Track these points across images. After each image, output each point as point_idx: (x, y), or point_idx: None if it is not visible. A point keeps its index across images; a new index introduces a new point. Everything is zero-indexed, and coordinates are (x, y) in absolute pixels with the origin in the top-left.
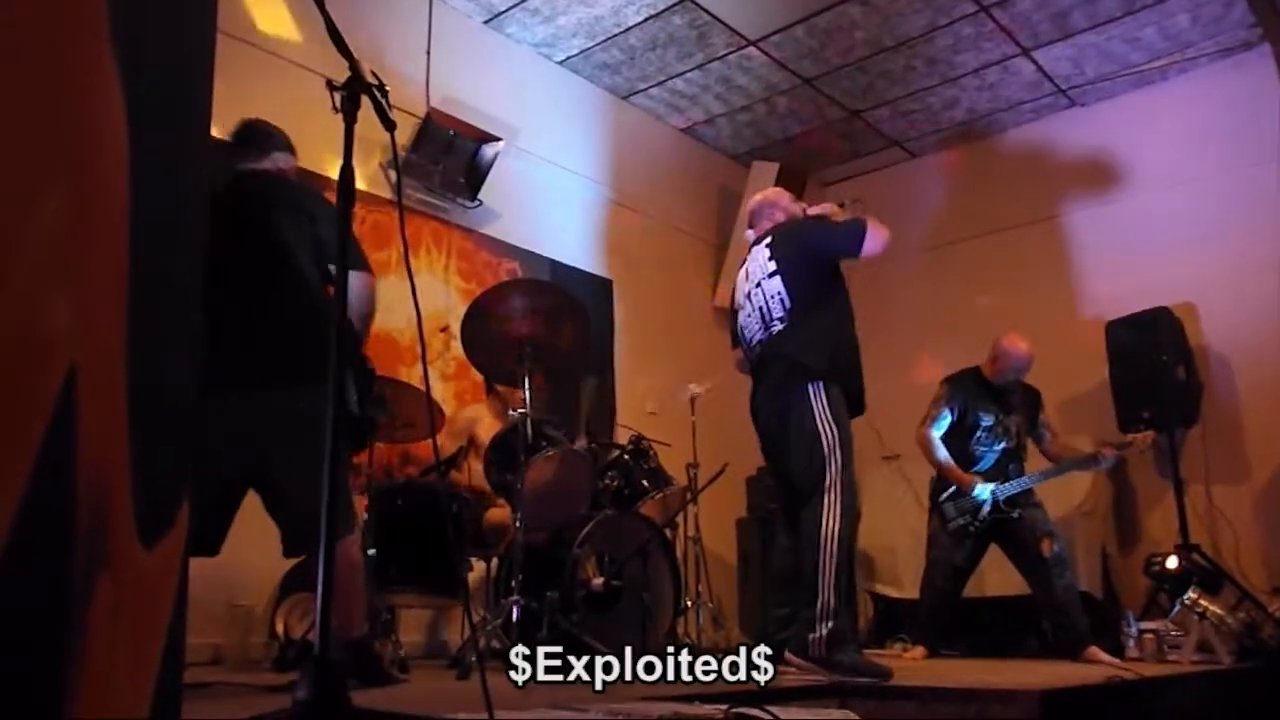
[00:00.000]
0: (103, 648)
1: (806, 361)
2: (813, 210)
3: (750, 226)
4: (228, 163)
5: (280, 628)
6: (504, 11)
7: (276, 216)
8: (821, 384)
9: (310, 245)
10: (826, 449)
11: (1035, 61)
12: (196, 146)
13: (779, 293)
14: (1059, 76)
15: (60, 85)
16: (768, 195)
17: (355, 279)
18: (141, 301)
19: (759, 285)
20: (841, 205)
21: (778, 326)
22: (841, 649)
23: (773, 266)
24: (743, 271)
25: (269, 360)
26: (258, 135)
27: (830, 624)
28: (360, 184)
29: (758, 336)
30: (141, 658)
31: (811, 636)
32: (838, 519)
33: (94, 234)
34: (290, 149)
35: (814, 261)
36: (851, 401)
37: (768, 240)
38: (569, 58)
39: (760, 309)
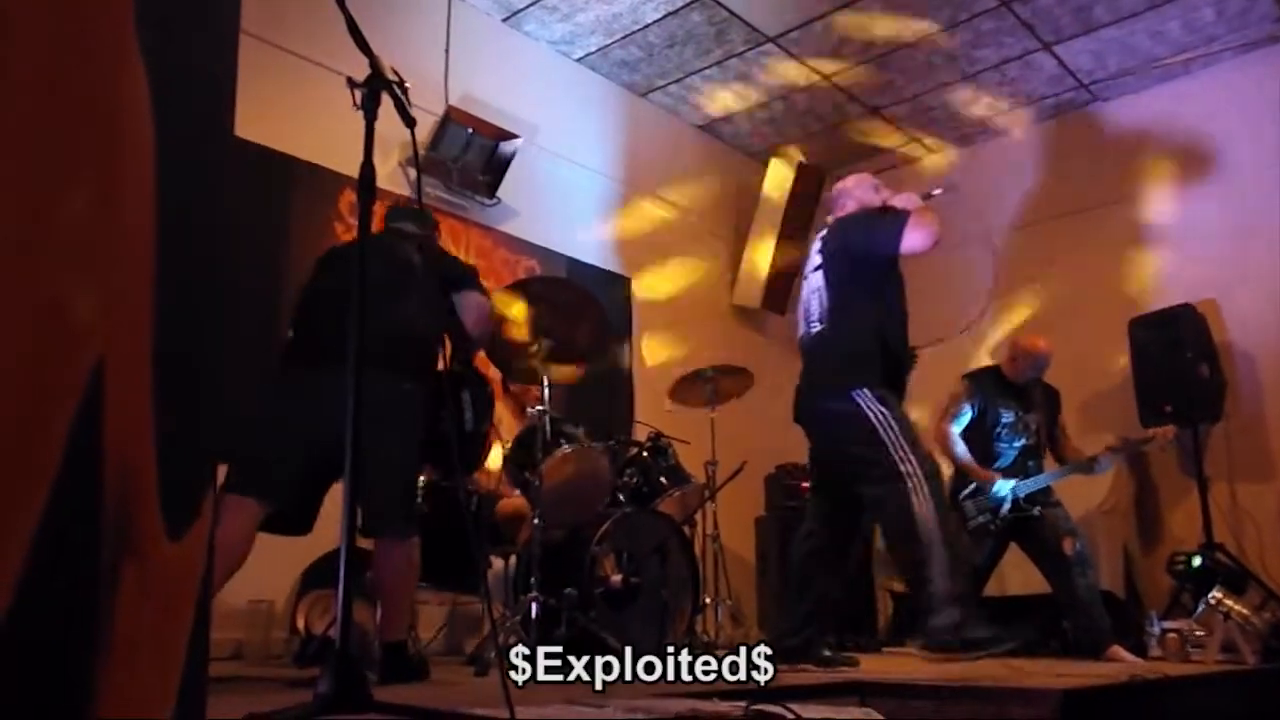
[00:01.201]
0: (129, 639)
1: (845, 378)
2: (895, 200)
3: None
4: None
5: (301, 623)
6: (522, 9)
7: (421, 262)
8: (866, 389)
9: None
10: (893, 445)
11: (1057, 56)
12: (220, 142)
13: (819, 290)
14: (1081, 71)
15: (87, 72)
16: (846, 183)
17: (474, 299)
18: (167, 294)
19: (807, 278)
20: (928, 196)
21: (816, 327)
22: (971, 627)
23: (818, 261)
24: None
25: (384, 350)
26: (424, 217)
27: (956, 610)
28: (379, 182)
29: (801, 329)
30: (167, 649)
31: (937, 624)
32: (927, 505)
33: (121, 224)
34: (438, 228)
35: (853, 261)
36: (896, 386)
37: (823, 232)
38: (587, 55)
39: (805, 303)
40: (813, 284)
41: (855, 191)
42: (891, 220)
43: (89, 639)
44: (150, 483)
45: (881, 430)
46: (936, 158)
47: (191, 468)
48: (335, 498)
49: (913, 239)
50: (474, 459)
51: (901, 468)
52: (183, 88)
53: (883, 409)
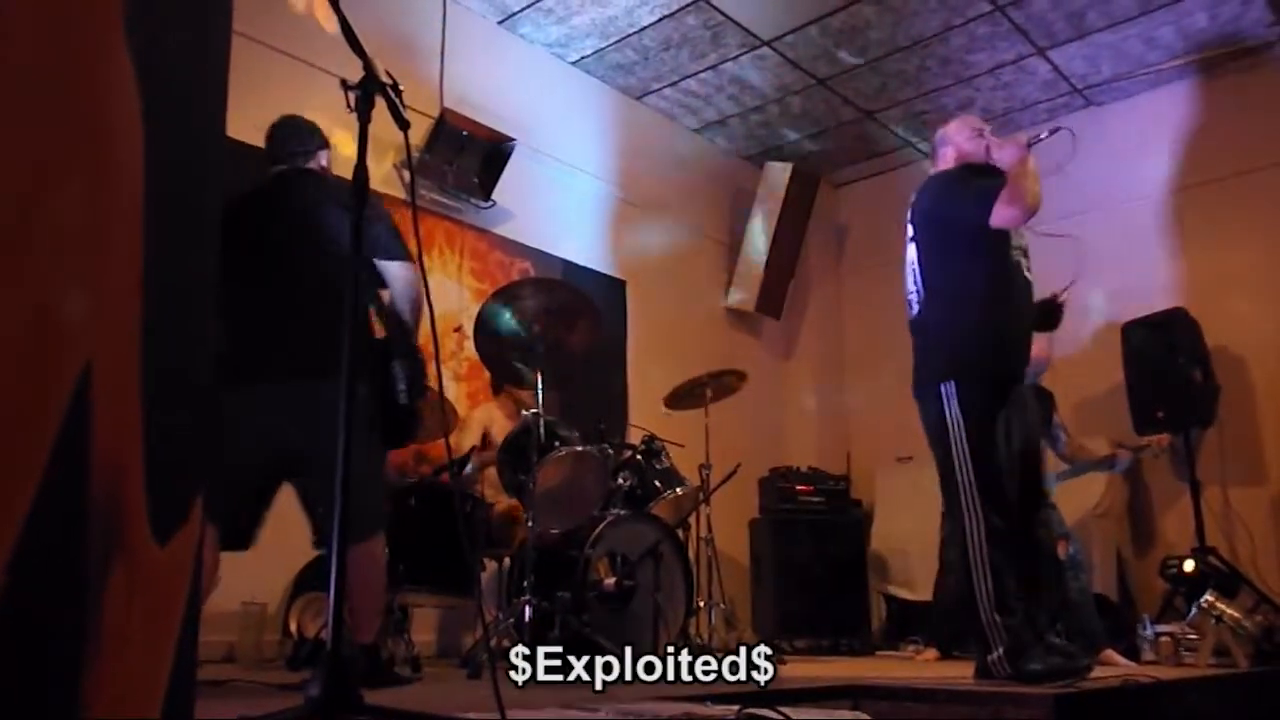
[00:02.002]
0: (117, 642)
1: (935, 362)
2: (998, 152)
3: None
4: (270, 158)
5: (294, 626)
6: (518, 12)
7: (324, 214)
8: (954, 383)
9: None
10: (956, 458)
11: (1051, 61)
12: (212, 142)
13: (913, 264)
14: (1075, 76)
15: (74, 73)
16: (948, 128)
17: (398, 269)
18: (156, 296)
19: (906, 251)
20: (1036, 140)
21: (915, 307)
22: (1027, 658)
23: (910, 231)
24: None
25: (306, 352)
26: (303, 133)
27: (1004, 641)
28: (374, 184)
29: (906, 311)
30: (155, 653)
31: (990, 659)
32: (980, 532)
33: (110, 227)
34: (329, 145)
35: (941, 231)
36: (1000, 387)
37: (913, 197)
38: (582, 58)
39: (905, 281)
40: (908, 257)
41: (956, 138)
42: (982, 188)
43: (77, 634)
44: (138, 485)
45: (951, 434)
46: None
47: (180, 471)
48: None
49: (1004, 214)
50: (407, 435)
51: (961, 490)
52: (174, 88)
53: (959, 412)
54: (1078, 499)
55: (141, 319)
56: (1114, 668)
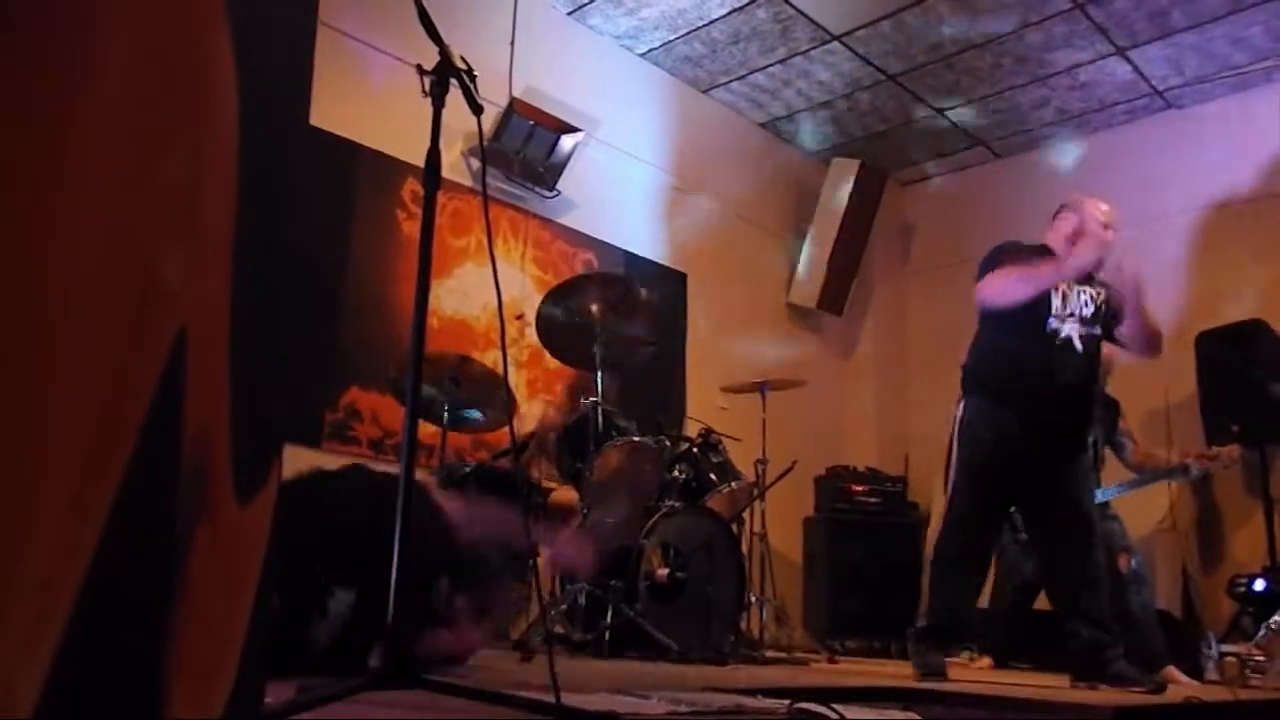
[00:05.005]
0: (200, 600)
1: (962, 374)
2: (1054, 239)
3: None
4: None
5: None
6: (588, 3)
7: None
8: (965, 399)
9: None
10: (949, 466)
11: (1131, 61)
12: (296, 128)
13: None
14: (1155, 77)
15: (181, 46)
16: (1072, 199)
17: None
18: (242, 263)
19: None
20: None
21: None
22: (917, 648)
23: None
24: None
25: None
26: None
27: (920, 634)
28: (443, 171)
29: None
30: (233, 611)
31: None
32: (931, 541)
33: (206, 195)
34: None
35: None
36: (1006, 417)
37: None
38: (651, 50)
39: None
40: None
41: (1059, 216)
42: (992, 255)
43: (166, 591)
44: (224, 445)
45: (952, 451)
46: (1002, 161)
47: (260, 435)
48: None
49: (985, 289)
50: None
51: (945, 497)
52: (264, 74)
53: (962, 428)
54: (1143, 512)
55: (231, 283)
56: (1176, 685)
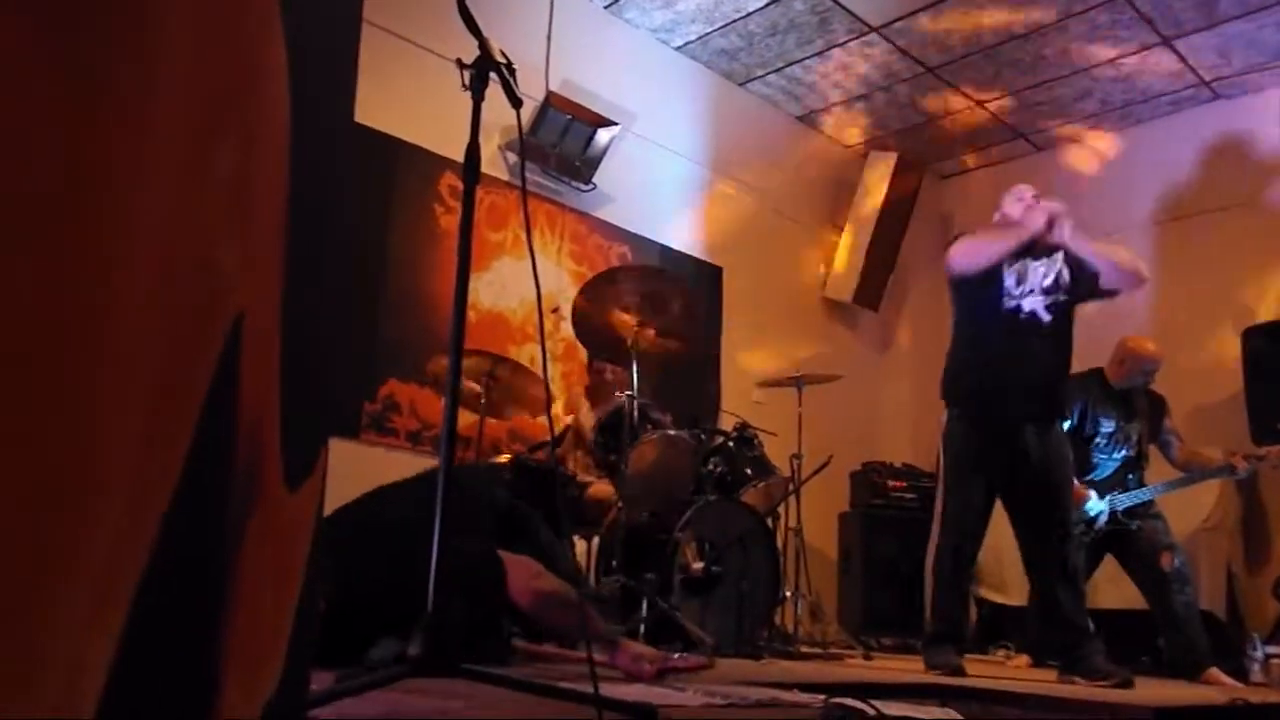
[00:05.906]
0: (251, 586)
1: (944, 393)
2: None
3: None
4: None
5: None
6: None
7: None
8: (947, 408)
9: None
10: (938, 476)
11: (1176, 50)
12: (341, 123)
13: None
14: (1202, 67)
15: (239, 38)
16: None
17: None
18: (293, 252)
19: None
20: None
21: None
22: (930, 651)
23: None
24: None
25: None
26: None
27: (930, 639)
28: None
29: None
30: (282, 597)
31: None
32: (932, 552)
33: (259, 183)
34: None
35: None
36: (977, 423)
37: None
38: (687, 43)
39: None
40: None
41: (999, 219)
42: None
43: (220, 589)
44: (275, 431)
45: (940, 460)
46: (1043, 154)
47: (309, 422)
48: None
49: (952, 253)
50: None
51: (937, 497)
52: (311, 68)
53: (946, 436)
54: (1187, 511)
55: (284, 271)
56: (1220, 687)
